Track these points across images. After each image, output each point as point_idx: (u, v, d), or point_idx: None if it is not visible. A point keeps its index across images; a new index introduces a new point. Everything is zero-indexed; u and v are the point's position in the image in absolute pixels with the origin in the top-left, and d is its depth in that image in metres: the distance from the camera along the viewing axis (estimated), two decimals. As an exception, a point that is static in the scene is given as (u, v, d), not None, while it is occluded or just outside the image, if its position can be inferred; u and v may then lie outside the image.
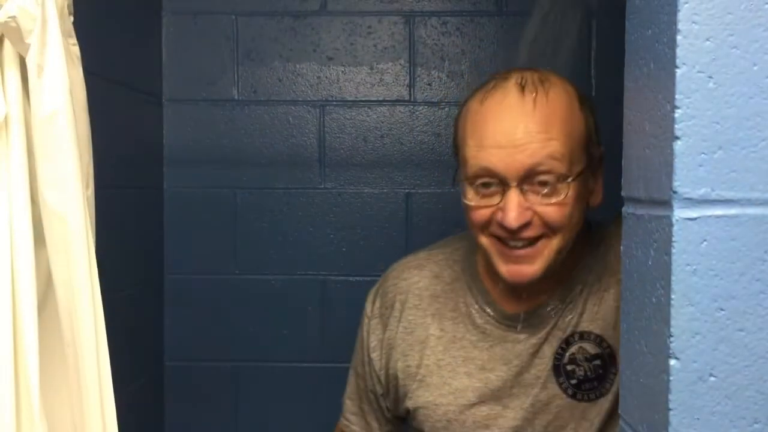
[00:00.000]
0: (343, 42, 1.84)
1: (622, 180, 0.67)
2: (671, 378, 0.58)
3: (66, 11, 0.88)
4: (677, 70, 0.53)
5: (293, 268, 1.88)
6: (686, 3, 0.54)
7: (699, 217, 0.55)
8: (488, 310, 1.10)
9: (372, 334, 1.20)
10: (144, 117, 1.81)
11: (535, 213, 0.95)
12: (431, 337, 1.14)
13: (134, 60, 1.73)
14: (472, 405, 1.10)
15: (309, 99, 1.86)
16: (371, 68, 1.84)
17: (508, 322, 1.09)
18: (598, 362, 1.04)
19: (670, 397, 0.57)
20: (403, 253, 1.54)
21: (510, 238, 0.97)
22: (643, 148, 0.61)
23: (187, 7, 1.84)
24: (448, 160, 1.83)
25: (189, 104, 1.87)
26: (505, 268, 1.00)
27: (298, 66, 1.85)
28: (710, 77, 0.53)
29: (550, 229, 0.96)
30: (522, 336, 1.08)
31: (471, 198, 1.00)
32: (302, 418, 1.89)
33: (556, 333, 1.07)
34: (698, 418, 0.58)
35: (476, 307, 1.12)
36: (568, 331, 1.06)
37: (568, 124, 0.95)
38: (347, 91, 1.85)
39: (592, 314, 1.06)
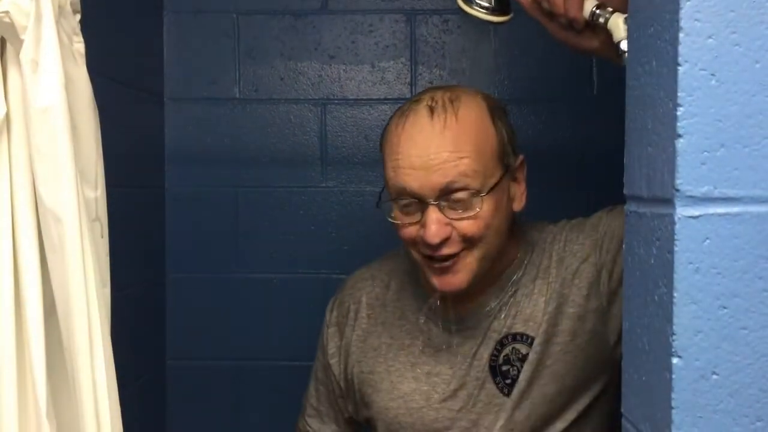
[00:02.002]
0: (344, 40, 1.84)
1: (624, 178, 0.67)
2: (674, 376, 0.57)
3: (69, 9, 0.88)
4: (679, 68, 0.53)
5: (294, 267, 1.88)
6: (688, 0, 0.54)
7: (701, 215, 0.55)
8: (431, 316, 1.17)
9: (330, 341, 1.29)
10: (145, 116, 1.81)
11: (454, 228, 1.01)
12: (383, 345, 1.22)
13: (135, 59, 1.73)
14: (421, 408, 1.17)
15: (310, 97, 1.86)
16: (373, 66, 1.84)
17: (449, 326, 1.16)
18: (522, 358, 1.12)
19: (673, 395, 0.57)
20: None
21: (433, 254, 1.03)
22: (645, 146, 0.60)
23: (188, 6, 1.85)
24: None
25: (190, 103, 1.87)
26: (435, 280, 1.07)
27: (299, 64, 1.85)
28: (713, 75, 0.53)
29: (469, 242, 1.02)
30: (462, 340, 1.16)
31: (396, 216, 1.06)
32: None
33: (491, 335, 1.14)
34: (701, 416, 0.58)
35: (420, 314, 1.19)
36: (503, 333, 1.13)
37: (479, 141, 1.01)
38: (348, 90, 1.85)
39: (525, 315, 1.13)
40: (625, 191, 0.67)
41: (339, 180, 1.86)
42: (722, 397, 0.58)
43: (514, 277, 1.15)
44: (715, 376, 0.58)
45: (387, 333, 1.23)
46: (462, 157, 0.99)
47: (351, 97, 1.85)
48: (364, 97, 1.85)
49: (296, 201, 1.87)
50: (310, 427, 1.35)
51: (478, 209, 0.99)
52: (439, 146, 0.99)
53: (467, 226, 1.00)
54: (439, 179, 0.99)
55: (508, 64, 1.82)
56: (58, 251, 0.79)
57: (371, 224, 1.86)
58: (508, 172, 1.06)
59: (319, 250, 1.87)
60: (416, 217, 1.02)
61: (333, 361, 1.28)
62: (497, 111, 1.07)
